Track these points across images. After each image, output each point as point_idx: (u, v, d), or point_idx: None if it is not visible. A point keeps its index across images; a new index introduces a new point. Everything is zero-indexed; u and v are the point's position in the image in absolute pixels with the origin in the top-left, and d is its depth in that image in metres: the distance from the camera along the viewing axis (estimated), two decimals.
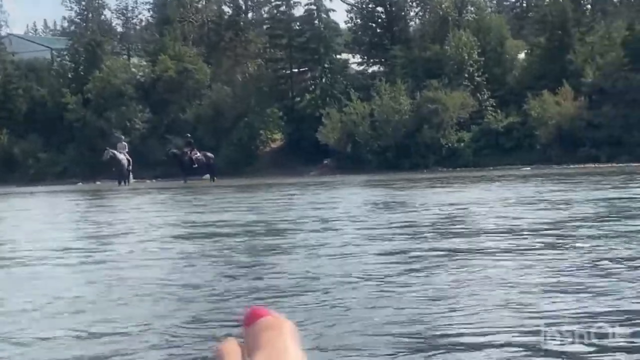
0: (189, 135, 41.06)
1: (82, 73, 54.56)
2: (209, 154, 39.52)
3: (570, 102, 43.82)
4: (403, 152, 45.97)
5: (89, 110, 51.43)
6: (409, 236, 10.35)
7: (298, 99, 53.16)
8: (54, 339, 5.44)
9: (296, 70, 54.53)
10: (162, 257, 9.57)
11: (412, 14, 57.39)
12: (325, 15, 53.37)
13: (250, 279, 7.54)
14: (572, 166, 38.19)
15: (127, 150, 38.91)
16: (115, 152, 38.19)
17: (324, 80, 52.49)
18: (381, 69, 53.94)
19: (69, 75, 55.47)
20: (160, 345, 5.16)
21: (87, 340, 5.37)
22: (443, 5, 51.36)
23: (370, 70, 55.46)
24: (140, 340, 5.26)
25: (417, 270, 7.45)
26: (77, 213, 19.38)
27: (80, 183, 44.85)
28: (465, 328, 5.12)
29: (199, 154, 38.58)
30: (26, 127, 53.30)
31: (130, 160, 38.86)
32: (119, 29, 62.79)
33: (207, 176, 39.53)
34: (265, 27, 56.12)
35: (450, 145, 45.82)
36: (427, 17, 54.80)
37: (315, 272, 7.66)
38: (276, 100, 52.22)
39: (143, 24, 62.48)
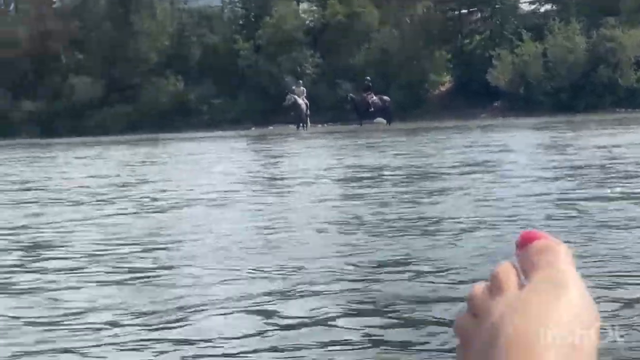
0: (369, 78, 41.24)
1: (252, 20, 55.44)
2: (385, 98, 39.58)
3: None
4: (577, 93, 44.62)
5: (261, 56, 52.29)
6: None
7: (467, 40, 52.28)
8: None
9: (465, 11, 53.57)
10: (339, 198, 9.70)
11: None
12: None
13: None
14: None
15: (305, 94, 39.38)
16: (296, 97, 38.76)
17: (494, 20, 51.36)
18: (554, 7, 52.28)
19: (240, 22, 56.45)
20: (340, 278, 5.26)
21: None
22: None
23: (542, 9, 53.84)
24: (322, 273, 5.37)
25: None
26: (264, 158, 19.80)
27: (254, 128, 45.82)
28: None
29: (375, 98, 38.72)
30: (199, 74, 54.69)
31: (308, 105, 39.34)
32: None
33: (379, 119, 39.61)
34: None
35: (628, 85, 44.10)
36: None
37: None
38: (445, 43, 51.56)
39: None
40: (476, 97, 47.99)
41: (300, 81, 41.04)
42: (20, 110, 58.56)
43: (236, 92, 52.65)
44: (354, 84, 48.29)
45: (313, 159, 16.88)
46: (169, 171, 15.74)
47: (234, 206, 9.72)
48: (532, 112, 42.80)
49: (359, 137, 27.21)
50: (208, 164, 17.31)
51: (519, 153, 15.27)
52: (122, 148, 28.24)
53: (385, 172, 12.98)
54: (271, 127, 45.76)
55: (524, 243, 0.65)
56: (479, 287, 0.65)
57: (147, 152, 24.11)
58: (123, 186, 12.86)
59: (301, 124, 38.74)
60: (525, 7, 54.63)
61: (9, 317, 5.06)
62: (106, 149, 27.89)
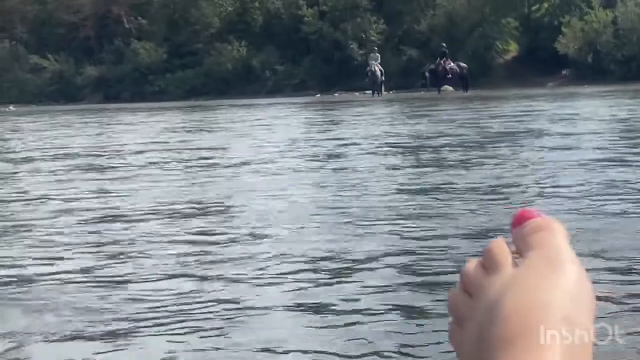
0: (444, 44, 40.77)
1: None
2: (462, 64, 39.10)
3: None
4: None
5: (325, 22, 51.96)
6: None
7: (535, 7, 51.39)
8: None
9: None
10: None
11: None
12: None
13: None
14: None
15: (379, 61, 39.09)
16: (374, 64, 38.55)
17: None
18: None
19: None
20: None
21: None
22: None
23: None
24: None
25: None
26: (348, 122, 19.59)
27: (319, 95, 45.60)
28: None
29: (452, 64, 38.28)
30: (263, 40, 54.53)
31: (383, 71, 39.07)
32: None
33: (446, 87, 39.28)
34: None
35: None
36: None
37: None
38: (512, 10, 50.77)
39: None
40: (543, 65, 47.21)
41: (375, 47, 40.66)
42: (83, 75, 59.06)
43: (299, 58, 52.44)
44: (419, 51, 47.82)
45: (362, 128, 16.68)
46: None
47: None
48: (601, 81, 42.03)
49: (422, 106, 26.91)
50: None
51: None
52: (196, 113, 28.31)
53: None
54: (337, 94, 45.55)
55: (519, 222, 0.63)
56: (472, 264, 0.63)
57: (240, 115, 24.12)
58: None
59: (376, 91, 38.56)
60: None
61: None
62: (178, 114, 28.02)
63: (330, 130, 16.95)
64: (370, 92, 39.45)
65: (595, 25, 45.54)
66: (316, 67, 51.07)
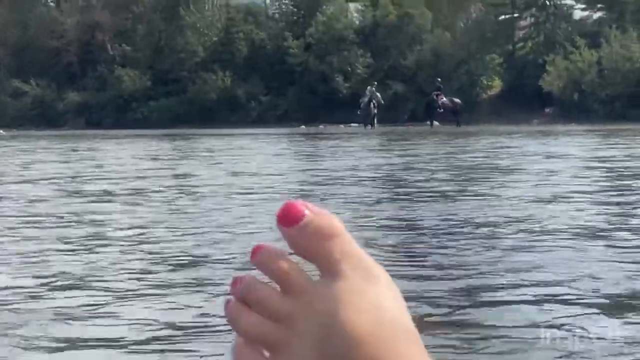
0: (439, 79, 41.06)
1: (301, 19, 55.24)
2: (456, 100, 39.32)
3: None
4: (633, 103, 44.03)
5: (311, 54, 52.05)
6: None
7: (520, 45, 51.82)
8: None
9: (518, 15, 53.10)
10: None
11: None
12: None
13: None
14: None
15: (374, 94, 39.14)
16: (369, 97, 38.62)
17: (547, 25, 50.86)
18: (606, 15, 51.67)
19: (291, 19, 56.22)
20: None
21: None
22: None
23: (595, 16, 53.30)
24: None
25: None
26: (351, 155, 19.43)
27: (304, 126, 45.51)
28: None
29: (445, 99, 38.48)
30: (247, 70, 54.55)
31: (376, 104, 39.13)
32: None
33: (429, 122, 39.48)
34: None
35: None
36: None
37: None
38: (496, 47, 51.17)
39: None
40: (527, 102, 47.50)
41: (375, 83, 40.69)
42: (65, 100, 58.71)
43: (284, 89, 52.47)
44: (405, 85, 48.00)
45: (338, 160, 16.53)
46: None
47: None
48: (585, 120, 42.36)
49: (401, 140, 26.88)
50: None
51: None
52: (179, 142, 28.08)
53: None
54: (322, 126, 45.52)
55: (289, 221, 0.59)
56: (262, 291, 0.60)
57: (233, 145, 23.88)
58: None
59: (369, 123, 38.62)
60: (578, 13, 54.12)
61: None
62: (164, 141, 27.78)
63: (295, 160, 16.81)
64: (357, 124, 39.43)
65: (580, 64, 45.93)
66: (301, 99, 51.12)
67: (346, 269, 0.59)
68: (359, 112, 39.38)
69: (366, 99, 38.47)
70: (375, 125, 39.10)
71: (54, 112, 58.32)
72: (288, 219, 0.59)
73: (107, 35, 61.85)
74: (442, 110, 38.35)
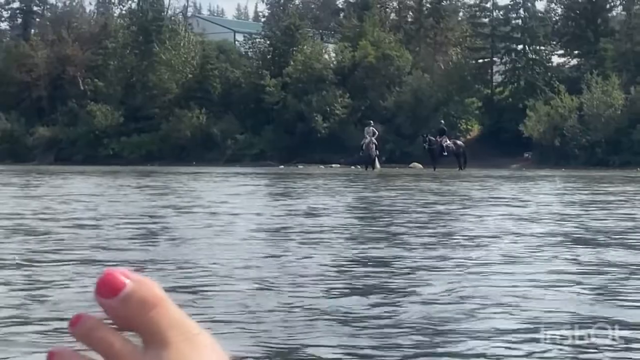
0: (443, 122, 40.77)
1: (277, 58, 54.58)
2: (459, 142, 38.89)
3: None
4: (613, 149, 43.80)
5: (289, 93, 51.30)
6: None
7: (499, 89, 51.58)
8: None
9: (497, 60, 52.96)
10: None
11: (617, 3, 54.57)
12: (530, 5, 51.51)
13: None
14: None
15: (376, 135, 38.23)
16: (369, 138, 37.74)
17: (527, 71, 50.66)
18: (584, 61, 51.67)
19: (267, 58, 55.49)
20: None
21: None
22: None
23: (572, 62, 53.39)
24: None
25: None
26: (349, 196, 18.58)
27: (282, 166, 44.49)
28: None
29: (448, 142, 37.93)
30: (222, 108, 53.65)
31: (377, 145, 38.23)
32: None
33: (414, 164, 38.80)
34: (467, 15, 54.82)
35: None
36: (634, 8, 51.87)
37: None
38: (475, 90, 50.89)
39: (339, 6, 62.35)
40: (506, 146, 47.10)
41: (371, 121, 39.74)
42: (34, 135, 57.43)
43: (259, 128, 51.60)
44: (384, 126, 47.39)
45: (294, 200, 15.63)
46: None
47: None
48: (564, 165, 42.07)
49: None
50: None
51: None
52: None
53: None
54: (300, 166, 44.63)
55: (110, 291, 0.57)
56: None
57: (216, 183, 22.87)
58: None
59: (369, 165, 37.68)
60: (555, 58, 54.13)
61: None
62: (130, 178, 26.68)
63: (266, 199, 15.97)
64: (355, 166, 38.64)
65: (561, 110, 45.68)
66: (277, 138, 50.26)
67: (172, 337, 0.59)
68: (360, 154, 38.61)
69: (367, 140, 37.63)
70: (377, 167, 37.97)
71: (23, 146, 57.02)
72: (108, 289, 0.57)
73: (78, 70, 60.75)
74: (445, 153, 37.71)
